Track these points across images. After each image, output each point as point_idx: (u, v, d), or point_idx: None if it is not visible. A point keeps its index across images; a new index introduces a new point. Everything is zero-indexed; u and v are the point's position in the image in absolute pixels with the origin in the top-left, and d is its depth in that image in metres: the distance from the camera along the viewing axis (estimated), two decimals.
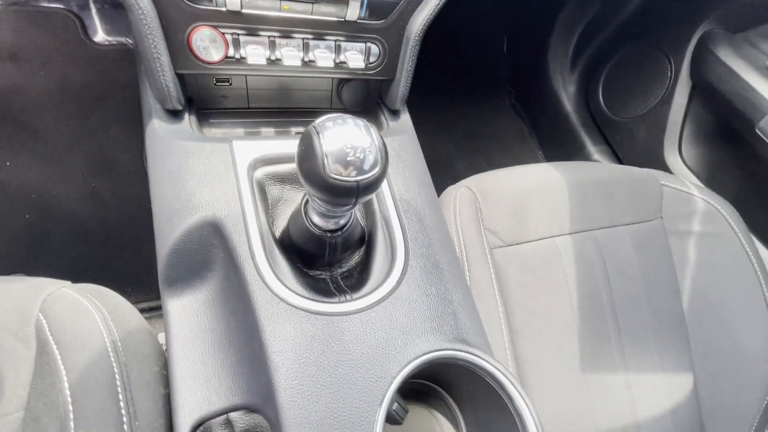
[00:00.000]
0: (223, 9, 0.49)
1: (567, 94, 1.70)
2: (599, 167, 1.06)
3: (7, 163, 1.10)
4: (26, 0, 1.26)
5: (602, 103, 1.55)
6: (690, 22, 1.21)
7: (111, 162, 1.18)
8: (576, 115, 1.67)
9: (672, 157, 1.33)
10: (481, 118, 1.88)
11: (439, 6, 0.58)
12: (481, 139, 1.81)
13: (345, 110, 0.71)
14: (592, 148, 1.60)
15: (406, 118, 0.70)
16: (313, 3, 0.52)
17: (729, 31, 1.15)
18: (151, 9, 0.46)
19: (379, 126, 0.69)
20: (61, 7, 1.28)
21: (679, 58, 1.25)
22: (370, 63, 0.61)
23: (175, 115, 0.56)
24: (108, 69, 1.31)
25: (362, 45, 0.59)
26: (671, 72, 1.28)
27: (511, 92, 1.96)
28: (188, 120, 0.57)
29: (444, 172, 1.66)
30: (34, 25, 1.28)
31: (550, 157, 1.81)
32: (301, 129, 0.66)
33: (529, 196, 0.86)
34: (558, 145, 1.76)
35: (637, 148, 1.44)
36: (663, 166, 1.34)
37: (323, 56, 0.56)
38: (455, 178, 1.70)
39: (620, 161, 1.53)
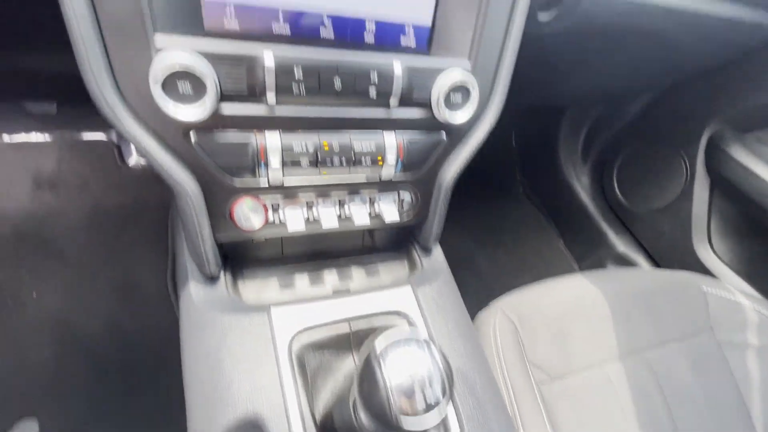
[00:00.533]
0: (266, 184, 0.51)
1: (581, 184, 1.72)
2: (634, 275, 1.03)
3: (33, 294, 1.11)
4: (72, 134, 1.37)
5: (619, 195, 1.55)
6: (697, 122, 1.24)
7: (134, 286, 1.19)
8: (593, 206, 1.67)
9: (703, 252, 1.29)
10: (497, 210, 1.89)
11: (470, 157, 0.60)
12: (499, 231, 1.81)
13: (376, 249, 0.71)
14: (615, 239, 1.58)
15: (438, 254, 0.69)
16: (350, 167, 0.53)
17: (738, 131, 1.18)
18: (197, 191, 0.47)
19: (411, 264, 0.68)
20: (104, 138, 1.39)
21: (692, 154, 1.27)
22: (403, 210, 0.61)
23: (211, 278, 0.55)
24: (138, 190, 1.38)
25: (395, 194, 0.60)
26: (686, 167, 1.30)
27: (523, 182, 2.00)
28: (224, 281, 0.56)
29: (465, 269, 1.63)
30: (75, 154, 1.37)
31: (571, 246, 1.78)
32: (334, 273, 0.65)
33: (569, 318, 0.81)
34: (578, 234, 1.74)
35: (664, 241, 1.41)
36: (695, 260, 1.29)
37: (359, 213, 0.57)
38: (478, 275, 1.65)
39: (648, 253, 1.49)
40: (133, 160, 1.44)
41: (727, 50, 0.97)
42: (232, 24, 0.45)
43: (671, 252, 1.38)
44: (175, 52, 0.39)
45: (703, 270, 1.26)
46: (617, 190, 1.56)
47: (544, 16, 0.59)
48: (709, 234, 1.30)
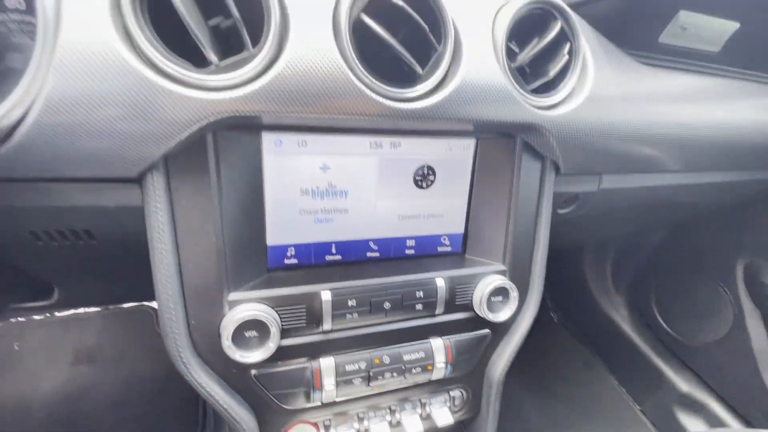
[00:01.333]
0: (319, 404, 0.50)
1: (620, 315, 1.65)
2: None
3: None
4: (115, 305, 1.45)
5: (666, 327, 1.47)
6: (727, 253, 1.23)
7: None
8: (640, 339, 1.57)
9: None
10: (534, 341, 1.79)
11: (516, 350, 0.59)
12: (546, 372, 1.67)
13: None
14: (673, 376, 1.44)
15: None
16: (401, 376, 0.53)
17: None
18: (255, 428, 0.47)
19: None
20: (145, 304, 1.45)
21: (732, 286, 1.23)
22: (455, 407, 0.59)
23: None
24: None
25: (445, 395, 0.58)
26: (731, 298, 1.25)
27: (553, 308, 1.93)
28: None
29: (515, 418, 1.47)
30: (115, 323, 1.42)
31: (625, 384, 1.62)
32: None
33: None
34: (630, 370, 1.59)
35: (729, 379, 1.28)
36: None
37: (410, 421, 0.55)
38: (529, 426, 1.48)
39: (715, 392, 1.34)
40: None
41: (735, 200, 1.02)
42: (291, 261, 0.50)
43: (742, 390, 1.24)
44: (244, 306, 0.43)
45: None
46: (662, 322, 1.48)
47: (563, 211, 0.64)
48: None
